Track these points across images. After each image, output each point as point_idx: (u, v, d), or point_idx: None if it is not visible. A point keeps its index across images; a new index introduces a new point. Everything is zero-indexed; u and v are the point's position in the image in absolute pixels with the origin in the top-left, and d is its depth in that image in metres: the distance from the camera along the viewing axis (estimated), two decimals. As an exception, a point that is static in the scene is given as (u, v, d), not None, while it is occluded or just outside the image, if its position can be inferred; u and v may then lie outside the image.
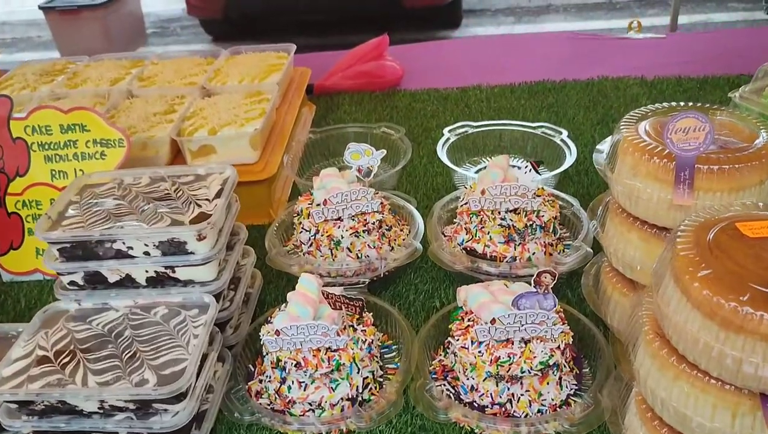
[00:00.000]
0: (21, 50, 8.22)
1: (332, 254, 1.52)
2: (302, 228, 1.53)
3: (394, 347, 1.40)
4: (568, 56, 2.71)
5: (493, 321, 1.20)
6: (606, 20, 7.69)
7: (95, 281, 1.32)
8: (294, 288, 1.50)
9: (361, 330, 1.29)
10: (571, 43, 2.85)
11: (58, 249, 1.29)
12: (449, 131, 1.98)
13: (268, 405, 1.28)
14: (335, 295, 1.25)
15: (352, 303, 1.25)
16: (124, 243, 1.27)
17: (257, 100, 1.95)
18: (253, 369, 1.37)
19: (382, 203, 1.53)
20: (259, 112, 1.88)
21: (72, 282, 1.33)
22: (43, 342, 1.24)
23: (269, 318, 1.32)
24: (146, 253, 1.28)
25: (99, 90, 2.11)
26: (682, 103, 1.35)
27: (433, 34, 7.85)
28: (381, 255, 1.52)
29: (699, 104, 1.35)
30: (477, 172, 1.95)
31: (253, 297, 1.52)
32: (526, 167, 1.45)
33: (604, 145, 1.40)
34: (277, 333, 1.22)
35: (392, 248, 1.56)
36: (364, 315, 1.31)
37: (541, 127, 1.98)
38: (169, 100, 1.99)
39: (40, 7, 7.36)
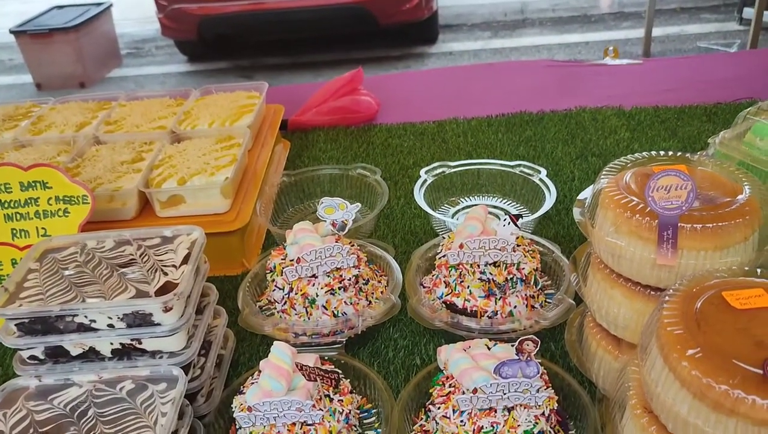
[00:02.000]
0: (-8, 73, 8.08)
1: (307, 312, 1.46)
2: (275, 286, 1.48)
3: (373, 411, 1.35)
4: (545, 84, 2.69)
5: (475, 390, 1.15)
6: (581, 33, 7.75)
7: (57, 354, 1.26)
8: (268, 347, 1.45)
9: (338, 400, 1.23)
10: (548, 71, 2.83)
11: (15, 325, 1.23)
12: (426, 172, 1.94)
13: (243, 479, 1.23)
14: (309, 368, 1.19)
15: (327, 375, 1.20)
16: (86, 316, 1.21)
17: (228, 146, 1.90)
18: (229, 439, 1.32)
19: (358, 256, 1.49)
20: (230, 158, 1.83)
21: (32, 357, 1.26)
22: (1, 425, 1.17)
23: (242, 388, 1.26)
24: (110, 326, 1.22)
25: (64, 136, 2.05)
26: (662, 153, 1.32)
27: (410, 50, 7.85)
28: (359, 311, 1.47)
29: (679, 153, 1.32)
30: (454, 215, 1.91)
31: (225, 360, 1.46)
32: (504, 220, 1.41)
33: (585, 194, 1.36)
34: (249, 409, 1.16)
35: (370, 302, 1.51)
36: (341, 384, 1.26)
37: (519, 165, 1.94)
38: (137, 147, 1.93)
39: (11, 31, 7.26)
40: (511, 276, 1.42)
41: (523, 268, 1.43)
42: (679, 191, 1.12)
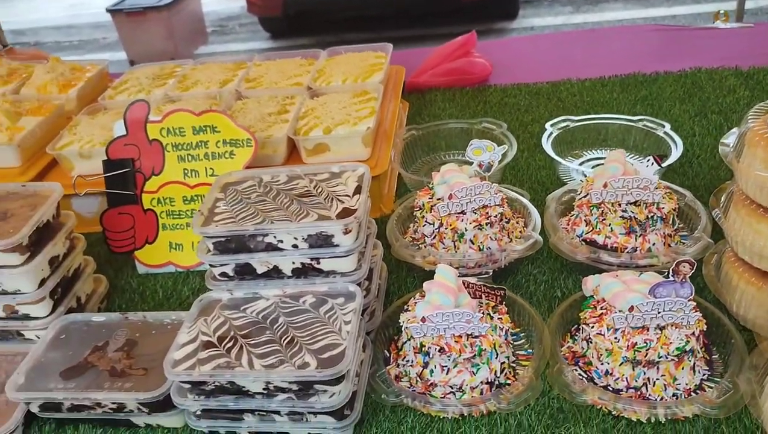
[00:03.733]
0: (88, 52, 8.50)
1: (455, 246, 1.59)
2: (425, 221, 1.61)
3: (521, 334, 1.47)
4: (655, 48, 2.72)
5: (631, 308, 1.25)
6: (667, 7, 7.57)
7: (244, 272, 1.42)
8: (414, 279, 1.59)
9: (498, 318, 1.35)
10: (656, 34, 2.86)
11: (212, 243, 1.39)
12: (551, 125, 2.03)
13: (409, 387, 1.36)
14: (476, 285, 1.32)
15: (493, 292, 1.32)
16: (275, 236, 1.37)
17: (365, 100, 2.03)
18: (388, 354, 1.46)
19: (502, 196, 1.60)
20: (369, 110, 1.96)
21: (223, 274, 1.43)
22: (204, 328, 1.34)
23: (406, 307, 1.40)
24: (294, 246, 1.38)
25: (210, 92, 2.22)
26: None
27: (490, 27, 7.85)
28: (502, 247, 1.58)
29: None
30: (580, 165, 2.00)
31: (382, 288, 1.60)
32: (648, 160, 1.50)
33: (729, 139, 1.43)
34: (423, 320, 1.29)
35: (511, 240, 1.62)
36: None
37: (642, 120, 2.01)
38: (281, 101, 2.09)
39: (107, 10, 7.61)
40: (652, 214, 1.51)
41: (663, 207, 1.51)
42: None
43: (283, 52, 2.43)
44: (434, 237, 1.60)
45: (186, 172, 1.77)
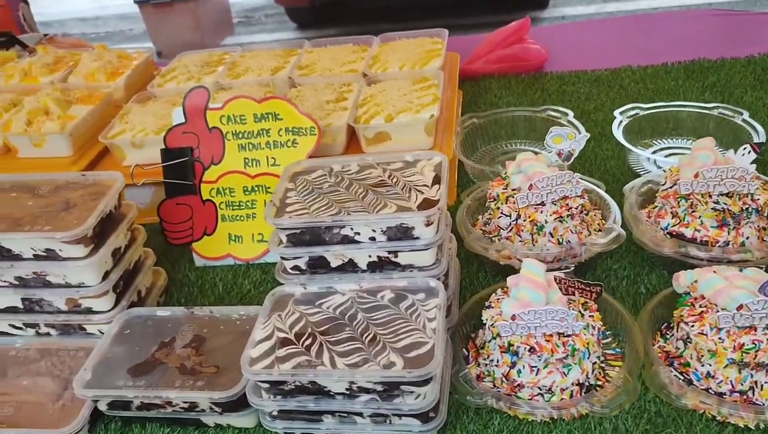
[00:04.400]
0: (115, 43, 8.47)
1: (533, 239, 1.51)
2: (501, 212, 1.53)
3: (608, 333, 1.39)
4: (716, 33, 2.61)
5: (739, 307, 1.17)
6: (703, -6, 7.39)
7: (317, 265, 1.36)
8: (486, 273, 1.52)
9: (589, 315, 1.28)
10: (716, 20, 2.75)
11: (286, 235, 1.33)
12: (620, 113, 1.94)
13: (493, 388, 1.29)
14: (568, 280, 1.24)
15: (588, 289, 1.24)
16: (351, 228, 1.30)
17: (425, 86, 1.96)
18: (466, 353, 1.39)
19: (583, 188, 1.52)
20: (431, 97, 1.89)
21: (295, 267, 1.36)
22: (279, 324, 1.28)
23: (489, 304, 1.33)
24: (372, 238, 1.31)
25: (261, 79, 2.16)
26: None
27: (521, 16, 7.72)
28: (582, 240, 1.50)
29: None
30: (653, 153, 1.91)
31: (456, 283, 1.53)
32: (744, 148, 1.41)
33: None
34: (513, 318, 1.22)
35: (590, 233, 1.54)
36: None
37: (717, 107, 1.91)
38: (337, 88, 2.02)
39: (135, 1, 7.60)
40: (746, 206, 1.42)
41: (758, 199, 1.42)
42: None
43: (334, 39, 2.36)
44: (510, 230, 1.53)
45: (246, 161, 1.71)
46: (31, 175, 1.58)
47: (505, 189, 1.56)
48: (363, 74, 2.09)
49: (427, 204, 1.30)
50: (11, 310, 1.49)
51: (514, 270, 1.54)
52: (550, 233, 1.50)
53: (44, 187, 1.53)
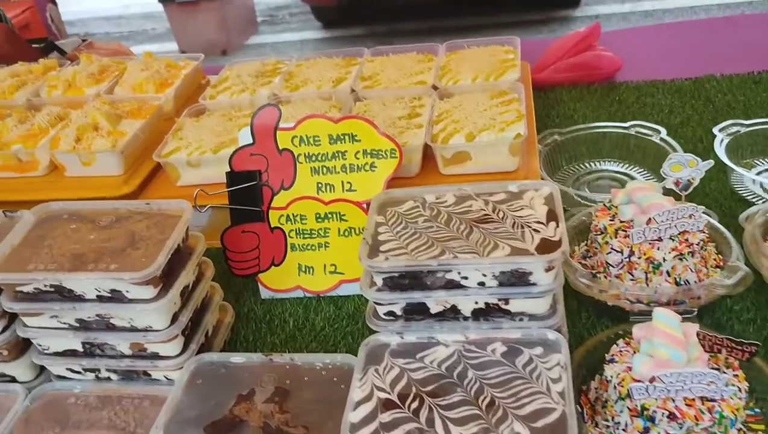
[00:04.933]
0: (138, 43, 8.39)
1: (647, 278, 1.35)
2: (611, 248, 1.37)
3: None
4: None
5: None
6: (742, -7, 7.17)
7: (414, 311, 1.21)
8: (589, 314, 1.37)
9: (733, 375, 1.12)
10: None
11: (382, 278, 1.18)
12: (720, 130, 1.77)
13: (617, 456, 1.14)
14: (715, 337, 1.08)
15: (739, 347, 1.08)
16: (459, 272, 1.15)
17: (506, 101, 1.80)
18: (580, 409, 1.23)
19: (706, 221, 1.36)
20: (514, 114, 1.72)
21: (389, 313, 1.22)
22: (378, 381, 1.13)
23: (611, 357, 1.17)
24: (481, 284, 1.16)
25: (322, 92, 2.01)
26: None
27: (552, 15, 7.52)
28: (701, 279, 1.34)
29: None
30: (757, 175, 1.74)
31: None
32: None
33: None
34: (651, 380, 1.06)
35: (707, 270, 1.38)
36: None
37: (828, 124, 1.75)
38: (408, 102, 1.86)
39: (159, 0, 7.52)
40: None
41: None
42: None
43: (394, 47, 2.20)
44: (622, 267, 1.37)
45: (320, 186, 1.56)
46: (89, 203, 1.44)
47: (612, 220, 1.40)
48: (433, 86, 1.94)
49: (546, 246, 1.15)
50: (70, 354, 1.36)
51: (623, 312, 1.40)
52: (668, 272, 1.34)
53: (105, 217, 1.39)
